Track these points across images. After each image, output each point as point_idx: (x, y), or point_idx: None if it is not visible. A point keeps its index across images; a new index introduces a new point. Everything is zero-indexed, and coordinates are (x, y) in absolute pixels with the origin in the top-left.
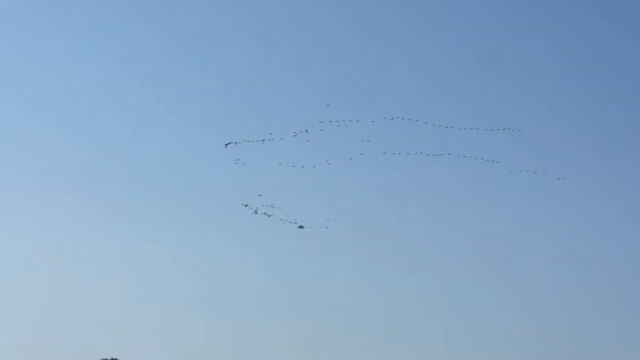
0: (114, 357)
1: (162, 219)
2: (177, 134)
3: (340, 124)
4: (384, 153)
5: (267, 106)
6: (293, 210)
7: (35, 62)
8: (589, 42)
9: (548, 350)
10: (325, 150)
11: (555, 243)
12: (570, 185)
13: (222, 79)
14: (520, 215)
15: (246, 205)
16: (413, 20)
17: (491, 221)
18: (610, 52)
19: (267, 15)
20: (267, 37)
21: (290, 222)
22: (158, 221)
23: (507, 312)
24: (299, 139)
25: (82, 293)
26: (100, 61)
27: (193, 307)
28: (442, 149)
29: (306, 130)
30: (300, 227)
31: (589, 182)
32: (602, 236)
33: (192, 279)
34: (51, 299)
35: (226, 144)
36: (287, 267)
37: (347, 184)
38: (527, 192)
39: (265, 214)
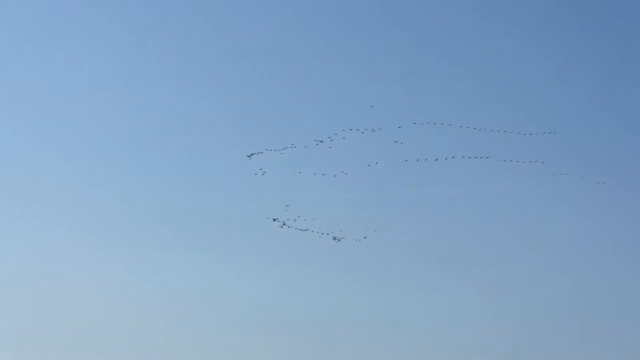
0: None
1: (185, 240)
2: (192, 145)
3: (365, 131)
4: (405, 160)
5: (287, 115)
6: (324, 221)
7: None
8: (620, 44)
9: None
10: (348, 158)
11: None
12: (611, 189)
13: (240, 87)
14: (570, 221)
15: (275, 220)
16: (439, 22)
17: (543, 229)
18: None
19: (288, 22)
20: (287, 41)
21: (323, 233)
22: (180, 243)
23: (553, 316)
24: (321, 148)
25: (98, 320)
26: (113, 68)
27: (222, 331)
28: (479, 152)
29: (330, 139)
30: (336, 238)
31: (630, 186)
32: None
33: (220, 301)
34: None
35: (249, 155)
36: (324, 281)
37: (378, 193)
38: (570, 195)
39: (290, 226)
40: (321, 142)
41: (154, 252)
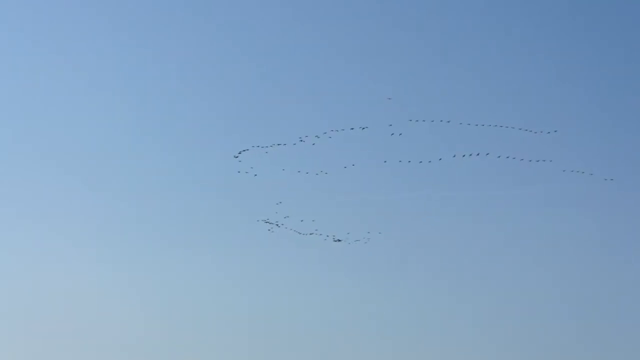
0: None
1: (177, 241)
2: (176, 145)
3: (353, 129)
4: (408, 161)
5: (276, 113)
6: (322, 223)
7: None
8: (624, 42)
9: None
10: (334, 157)
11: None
12: (619, 186)
13: (233, 85)
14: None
15: (266, 221)
16: (439, 20)
17: (554, 229)
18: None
19: (278, 21)
20: (282, 40)
21: (320, 234)
22: (172, 245)
23: (562, 316)
24: (314, 146)
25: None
26: (99, 66)
27: (216, 333)
28: (482, 150)
29: (317, 137)
30: (337, 240)
31: (637, 182)
32: None
33: (216, 303)
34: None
35: (237, 155)
36: (322, 283)
37: (374, 193)
38: (582, 193)
39: (282, 226)
40: (302, 140)
41: (146, 254)
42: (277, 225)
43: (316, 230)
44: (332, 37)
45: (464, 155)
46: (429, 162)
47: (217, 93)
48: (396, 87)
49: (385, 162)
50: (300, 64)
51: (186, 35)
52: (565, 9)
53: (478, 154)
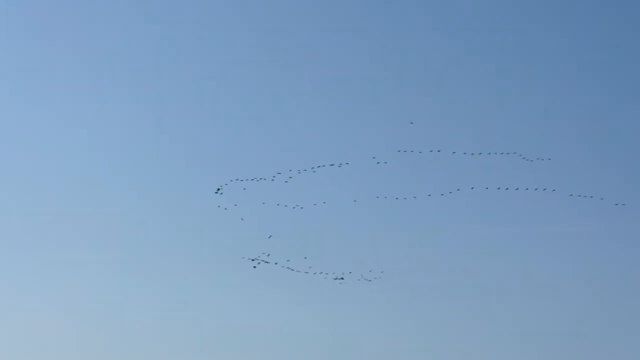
0: None
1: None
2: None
3: (336, 164)
4: (388, 198)
5: (258, 147)
6: (314, 260)
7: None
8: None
9: None
10: (323, 190)
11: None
12: (630, 210)
13: (211, 118)
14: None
15: (254, 260)
16: (425, 44)
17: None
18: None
19: (259, 51)
20: (261, 71)
21: (321, 273)
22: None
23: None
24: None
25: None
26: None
27: None
28: (482, 182)
29: (306, 170)
30: (338, 278)
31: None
32: None
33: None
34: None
35: (217, 190)
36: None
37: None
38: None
39: (273, 263)
40: (285, 175)
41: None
42: (267, 262)
43: (310, 268)
44: (316, 70)
45: (442, 194)
46: (429, 195)
47: (196, 127)
48: (384, 118)
49: (354, 201)
50: (284, 97)
51: (164, 67)
52: (557, 29)
53: (459, 190)
